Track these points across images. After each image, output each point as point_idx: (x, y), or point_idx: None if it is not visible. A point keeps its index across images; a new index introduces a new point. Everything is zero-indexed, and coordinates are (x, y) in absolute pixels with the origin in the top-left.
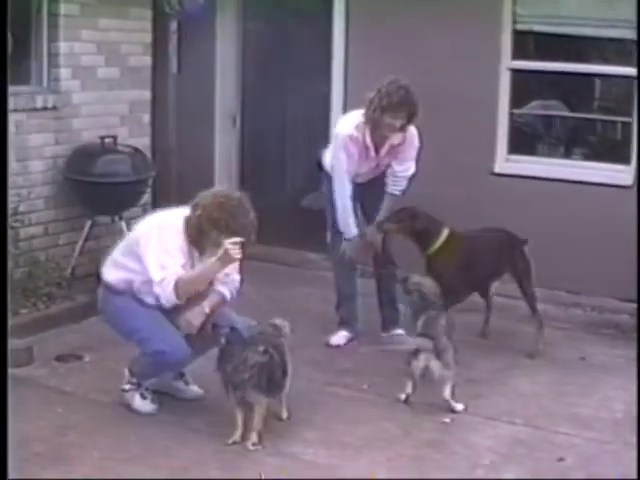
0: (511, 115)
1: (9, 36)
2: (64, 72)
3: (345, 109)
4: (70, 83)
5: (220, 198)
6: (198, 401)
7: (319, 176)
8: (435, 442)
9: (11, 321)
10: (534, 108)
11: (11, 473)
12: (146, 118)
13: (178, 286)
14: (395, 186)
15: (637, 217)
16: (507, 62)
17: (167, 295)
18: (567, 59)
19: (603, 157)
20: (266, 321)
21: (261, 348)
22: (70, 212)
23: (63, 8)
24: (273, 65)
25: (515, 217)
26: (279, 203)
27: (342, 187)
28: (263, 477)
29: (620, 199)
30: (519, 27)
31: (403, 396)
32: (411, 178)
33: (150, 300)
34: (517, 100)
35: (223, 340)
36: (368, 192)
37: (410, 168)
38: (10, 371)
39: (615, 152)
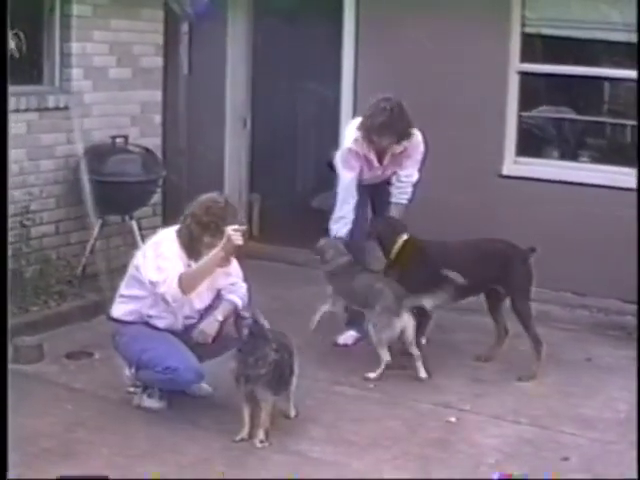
0: (519, 118)
1: (21, 36)
2: (76, 72)
3: (355, 110)
4: (82, 83)
5: (207, 203)
6: (206, 398)
7: (329, 176)
8: (440, 441)
9: (22, 318)
10: (542, 112)
11: (20, 468)
12: (157, 118)
13: (182, 280)
14: (401, 195)
15: (637, 218)
16: (516, 65)
17: (172, 291)
18: (575, 62)
19: (611, 160)
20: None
21: (274, 346)
22: (81, 211)
23: (76, 9)
24: (283, 66)
25: (523, 219)
26: (289, 203)
27: (346, 198)
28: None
29: (627, 202)
30: (528, 30)
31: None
32: (415, 185)
33: (162, 324)
34: (526, 103)
35: (246, 332)
36: (378, 196)
37: (413, 174)
38: (21, 368)
39: (623, 155)
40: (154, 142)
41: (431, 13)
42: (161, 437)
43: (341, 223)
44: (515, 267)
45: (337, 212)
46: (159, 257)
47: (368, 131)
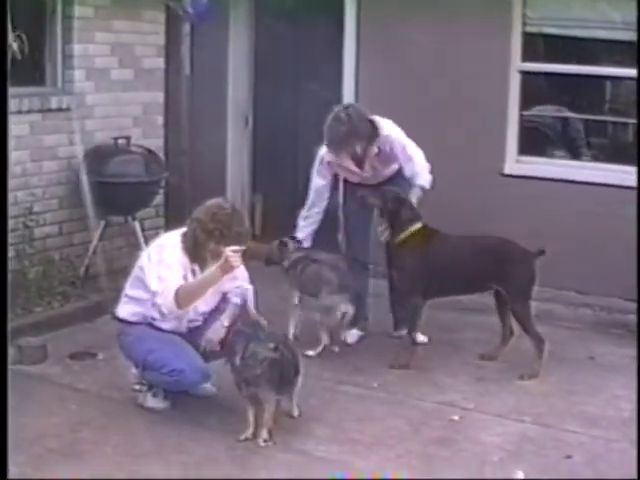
0: (521, 117)
1: (24, 37)
2: (78, 74)
3: None
4: (84, 84)
5: (213, 209)
6: (210, 398)
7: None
8: (444, 439)
9: (25, 319)
10: (544, 111)
11: (25, 468)
12: (159, 119)
13: (179, 294)
14: (417, 179)
15: (637, 218)
16: (517, 64)
17: (168, 304)
18: (577, 61)
19: (613, 158)
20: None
21: (271, 345)
22: (84, 212)
23: (77, 10)
24: (285, 66)
25: (525, 218)
26: (291, 203)
27: (315, 202)
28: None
29: (629, 200)
30: (529, 29)
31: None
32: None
33: (166, 326)
34: (527, 102)
35: (240, 346)
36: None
37: (415, 164)
38: (24, 368)
39: (625, 154)
40: (156, 143)
41: (432, 13)
42: (165, 437)
43: (307, 222)
44: (515, 267)
45: (305, 211)
46: (161, 263)
47: (336, 144)
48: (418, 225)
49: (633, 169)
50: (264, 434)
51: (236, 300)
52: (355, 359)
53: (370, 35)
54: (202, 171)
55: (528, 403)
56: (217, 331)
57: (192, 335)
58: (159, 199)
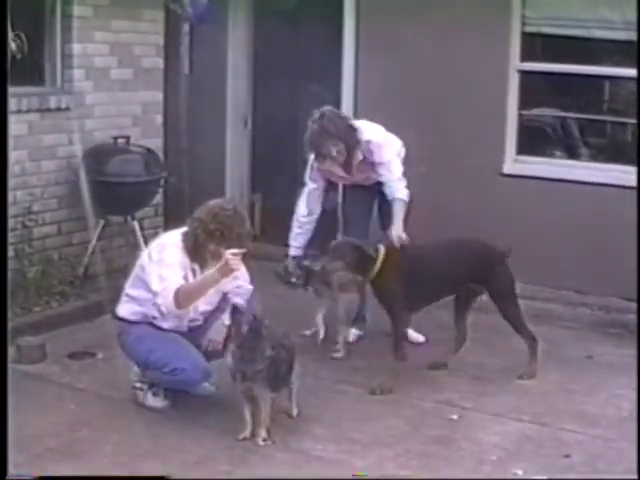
0: (520, 116)
1: (23, 37)
2: (77, 73)
3: (355, 110)
4: (83, 84)
5: (215, 209)
6: (210, 397)
7: None
8: (443, 438)
9: (24, 319)
10: (543, 111)
11: (25, 468)
12: (158, 119)
13: (178, 295)
14: (392, 192)
15: (637, 217)
16: (516, 64)
17: (167, 303)
18: (576, 61)
19: (612, 158)
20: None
21: (271, 342)
22: (83, 212)
23: (76, 10)
24: (284, 67)
25: (523, 217)
26: (290, 203)
27: (313, 209)
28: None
29: (628, 200)
30: (528, 29)
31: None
32: (405, 181)
33: (167, 325)
34: (526, 102)
35: (245, 328)
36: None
37: (391, 173)
38: (23, 368)
39: (624, 153)
40: (155, 142)
41: (431, 13)
42: (165, 436)
43: (303, 230)
44: (495, 269)
45: (301, 217)
46: (162, 263)
47: (310, 143)
48: (381, 255)
49: (632, 169)
50: (263, 433)
51: (237, 300)
52: (354, 359)
53: (369, 35)
54: (201, 171)
55: (527, 402)
56: (219, 331)
57: (193, 334)
58: (158, 198)
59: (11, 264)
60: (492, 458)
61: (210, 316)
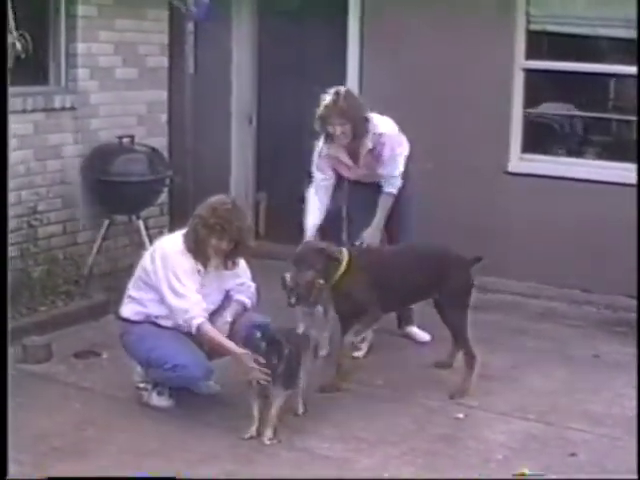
0: (525, 114)
1: (27, 37)
2: (82, 72)
3: None
4: (88, 83)
5: (214, 204)
6: (214, 396)
7: None
8: (448, 437)
9: (30, 318)
10: (548, 109)
11: (30, 467)
12: (163, 118)
13: (201, 332)
14: (388, 186)
15: (637, 215)
16: (521, 62)
17: (191, 329)
18: (580, 59)
19: (616, 156)
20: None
21: (284, 341)
22: (88, 211)
23: (81, 9)
24: (289, 65)
25: (528, 216)
26: (295, 202)
27: (315, 199)
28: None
29: (633, 198)
30: (533, 27)
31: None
32: (405, 177)
33: (170, 324)
34: (531, 100)
35: (263, 345)
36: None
37: (394, 169)
38: (29, 367)
39: (628, 151)
40: (160, 142)
41: (436, 12)
42: (170, 435)
43: (314, 217)
44: (450, 274)
45: (313, 207)
46: (173, 275)
47: (321, 121)
48: (345, 259)
49: (636, 167)
50: (269, 432)
51: (238, 297)
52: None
53: (374, 34)
54: (206, 170)
55: (532, 401)
56: (221, 328)
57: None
58: (163, 198)
59: (16, 264)
60: (498, 457)
61: (213, 314)
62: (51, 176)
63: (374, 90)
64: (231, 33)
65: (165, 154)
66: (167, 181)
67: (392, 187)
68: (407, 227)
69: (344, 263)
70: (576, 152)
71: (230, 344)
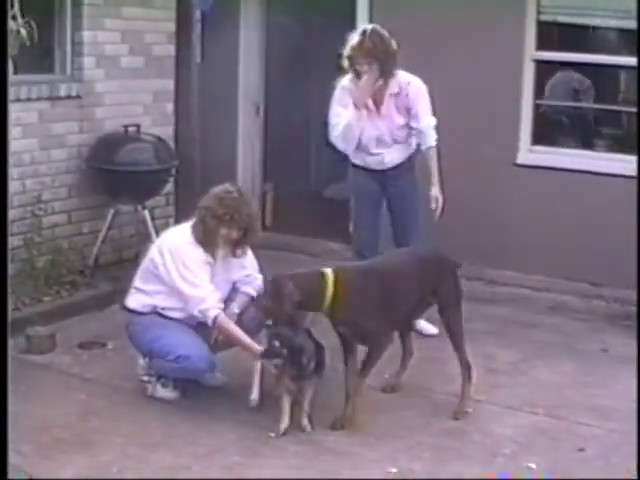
0: (535, 106)
1: (33, 24)
2: (88, 61)
3: None
4: (94, 72)
5: (220, 194)
6: (221, 388)
7: (342, 166)
8: (455, 431)
9: (34, 308)
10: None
11: (34, 458)
12: (169, 107)
13: (217, 323)
14: (428, 139)
15: (637, 212)
16: (531, 53)
17: (206, 320)
18: (591, 50)
19: (627, 148)
20: None
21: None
22: (93, 201)
23: None
24: (297, 54)
25: (538, 208)
26: (302, 193)
27: (345, 142)
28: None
29: None
30: (543, 18)
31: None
32: (437, 128)
33: (176, 315)
34: (541, 91)
35: (285, 353)
36: (393, 189)
37: (428, 121)
38: (33, 358)
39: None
40: (166, 131)
41: (445, 3)
42: (175, 427)
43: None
44: (447, 279)
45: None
46: (184, 266)
47: (348, 61)
48: (330, 280)
49: None
50: (305, 421)
51: (245, 289)
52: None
53: (383, 22)
54: (213, 159)
55: (541, 395)
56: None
57: (203, 325)
58: (169, 187)
59: (20, 253)
60: (505, 451)
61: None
62: (56, 165)
63: None
64: (239, 22)
65: (171, 144)
66: (173, 171)
67: (432, 140)
68: (414, 215)
69: (329, 288)
70: (586, 144)
71: (248, 340)
